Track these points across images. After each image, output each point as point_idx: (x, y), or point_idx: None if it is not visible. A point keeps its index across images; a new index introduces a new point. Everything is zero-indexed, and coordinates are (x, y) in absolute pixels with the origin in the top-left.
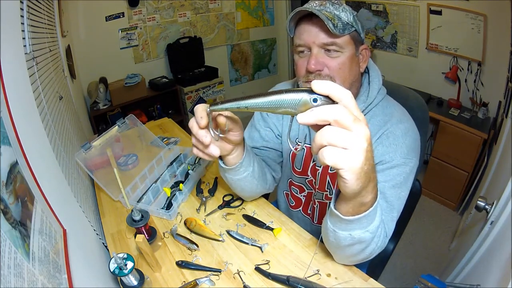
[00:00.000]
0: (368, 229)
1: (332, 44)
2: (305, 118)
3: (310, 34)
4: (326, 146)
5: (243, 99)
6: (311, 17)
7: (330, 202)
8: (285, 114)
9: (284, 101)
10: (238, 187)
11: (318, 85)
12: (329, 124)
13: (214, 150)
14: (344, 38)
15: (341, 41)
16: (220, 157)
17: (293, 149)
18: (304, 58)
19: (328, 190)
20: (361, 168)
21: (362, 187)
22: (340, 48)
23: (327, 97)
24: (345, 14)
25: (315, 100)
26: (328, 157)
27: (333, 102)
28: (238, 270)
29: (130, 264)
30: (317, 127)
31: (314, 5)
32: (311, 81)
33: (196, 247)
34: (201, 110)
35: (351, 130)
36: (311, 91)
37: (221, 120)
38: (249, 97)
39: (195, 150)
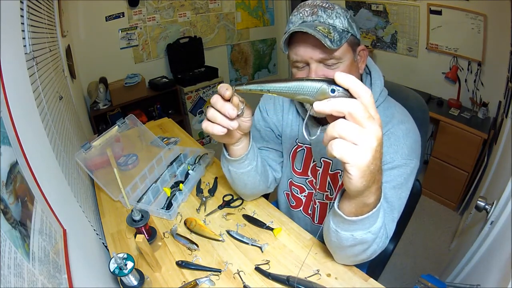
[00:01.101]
0: (370, 230)
1: (330, 58)
2: (321, 106)
3: (306, 51)
4: (336, 138)
5: (266, 82)
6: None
7: (332, 202)
8: (303, 102)
9: (303, 88)
10: (241, 182)
11: (341, 77)
12: (343, 118)
13: (235, 123)
14: (342, 48)
15: (339, 53)
16: (225, 148)
17: (308, 137)
18: (303, 71)
19: (329, 191)
20: (367, 166)
21: (366, 186)
22: (338, 59)
23: (346, 90)
24: (340, 20)
25: (333, 91)
26: (336, 149)
27: (351, 96)
28: (238, 270)
29: (130, 264)
30: (332, 119)
31: (306, 14)
32: None
33: (196, 247)
34: (226, 85)
35: (364, 127)
36: (330, 82)
37: (235, 100)
38: (272, 81)
39: (209, 125)
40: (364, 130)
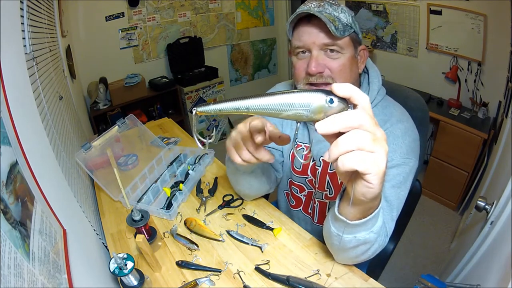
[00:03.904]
0: (372, 230)
1: (333, 45)
2: (328, 127)
3: (311, 35)
4: (353, 151)
5: (243, 99)
6: (310, 18)
7: (331, 206)
8: (291, 119)
9: (295, 103)
10: (247, 183)
11: (339, 87)
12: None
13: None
14: (344, 40)
15: (341, 42)
16: None
17: (301, 160)
18: (303, 60)
19: (328, 190)
20: (384, 171)
21: (381, 189)
22: (340, 49)
23: (342, 99)
24: (344, 15)
25: (331, 101)
26: (358, 162)
27: (347, 103)
28: (238, 270)
29: (130, 264)
30: (331, 135)
31: (313, 6)
32: (312, 84)
33: (196, 247)
34: (257, 126)
35: (373, 133)
36: (324, 92)
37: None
38: (250, 97)
39: (240, 158)
40: (375, 136)
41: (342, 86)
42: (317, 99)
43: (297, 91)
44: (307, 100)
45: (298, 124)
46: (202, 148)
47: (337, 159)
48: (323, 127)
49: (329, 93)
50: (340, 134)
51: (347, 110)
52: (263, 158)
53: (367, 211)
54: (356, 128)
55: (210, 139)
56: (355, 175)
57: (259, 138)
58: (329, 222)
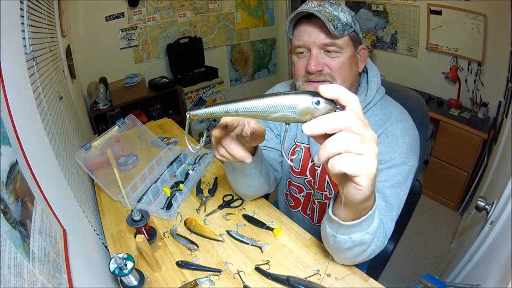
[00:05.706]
0: (368, 231)
1: (332, 45)
2: (313, 128)
3: (310, 35)
4: (341, 153)
5: (232, 102)
6: (310, 17)
7: (327, 208)
8: (279, 121)
9: (281, 105)
10: (245, 184)
11: (325, 89)
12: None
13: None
14: (344, 39)
15: (340, 42)
16: None
17: (290, 162)
18: (303, 59)
19: (328, 190)
20: (375, 173)
21: (372, 191)
22: (339, 48)
23: (329, 100)
24: (344, 15)
25: (317, 103)
26: (346, 165)
27: (334, 104)
28: (238, 270)
29: (130, 264)
30: (320, 136)
31: (313, 5)
32: (311, 81)
33: (196, 247)
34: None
35: (363, 136)
36: (311, 93)
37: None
38: (239, 100)
39: (218, 154)
40: (364, 138)
41: (329, 87)
42: (303, 101)
43: (284, 93)
44: (294, 102)
45: (287, 125)
46: (194, 152)
47: (326, 161)
48: (309, 128)
49: (317, 94)
50: (329, 136)
51: (334, 111)
52: (234, 154)
53: (360, 212)
54: (343, 130)
55: (202, 143)
56: (346, 177)
57: (215, 132)
58: (325, 222)
